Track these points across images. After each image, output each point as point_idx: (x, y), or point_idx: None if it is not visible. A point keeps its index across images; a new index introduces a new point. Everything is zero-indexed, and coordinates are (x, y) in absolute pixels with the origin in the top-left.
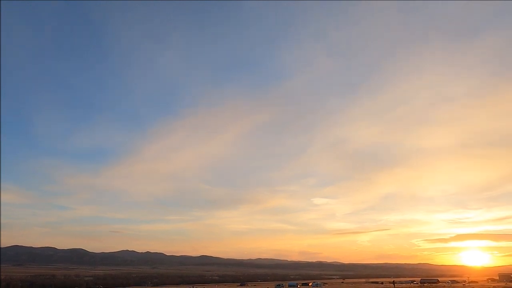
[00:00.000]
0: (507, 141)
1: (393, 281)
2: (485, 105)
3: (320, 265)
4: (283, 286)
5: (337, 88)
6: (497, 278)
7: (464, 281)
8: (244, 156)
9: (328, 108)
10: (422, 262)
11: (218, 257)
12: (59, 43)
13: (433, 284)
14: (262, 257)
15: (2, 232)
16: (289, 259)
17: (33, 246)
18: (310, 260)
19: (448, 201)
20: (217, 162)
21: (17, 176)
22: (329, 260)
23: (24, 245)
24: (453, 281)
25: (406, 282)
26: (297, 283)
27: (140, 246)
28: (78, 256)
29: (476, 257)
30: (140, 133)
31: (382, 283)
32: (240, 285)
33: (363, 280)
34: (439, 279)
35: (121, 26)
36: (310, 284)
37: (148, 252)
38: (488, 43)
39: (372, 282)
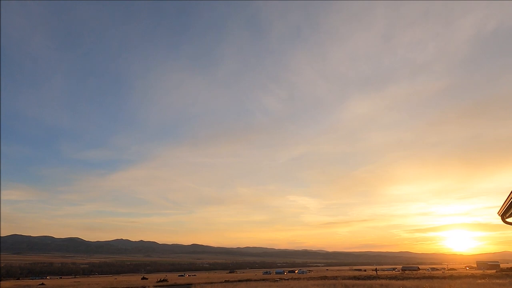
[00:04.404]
0: (453, 154)
1: (376, 268)
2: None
3: (306, 253)
4: (270, 273)
5: (288, 121)
6: (475, 265)
7: (444, 269)
8: (229, 165)
9: (287, 132)
10: (403, 250)
11: (208, 246)
12: (90, 87)
13: (414, 272)
14: (251, 246)
15: (14, 224)
16: (276, 247)
17: (31, 235)
18: (296, 249)
19: (416, 199)
20: (208, 169)
21: (37, 179)
22: (314, 249)
23: (23, 234)
24: (433, 269)
25: (388, 269)
26: (283, 270)
27: (135, 236)
28: (74, 244)
29: (454, 246)
30: (146, 151)
31: (365, 270)
32: (230, 272)
33: (347, 267)
34: (420, 266)
35: (137, 74)
36: (296, 271)
37: (141, 241)
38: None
39: (355, 270)
